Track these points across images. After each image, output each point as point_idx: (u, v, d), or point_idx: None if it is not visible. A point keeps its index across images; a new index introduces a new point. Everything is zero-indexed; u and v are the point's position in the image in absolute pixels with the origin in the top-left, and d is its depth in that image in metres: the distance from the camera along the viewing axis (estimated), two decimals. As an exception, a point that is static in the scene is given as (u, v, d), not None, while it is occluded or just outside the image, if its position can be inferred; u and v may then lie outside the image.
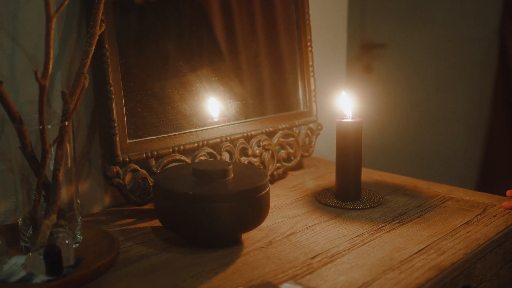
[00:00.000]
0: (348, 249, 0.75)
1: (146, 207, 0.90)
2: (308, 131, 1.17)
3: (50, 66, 0.66)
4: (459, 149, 2.33)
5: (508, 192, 0.94)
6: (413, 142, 2.42)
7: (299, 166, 1.19)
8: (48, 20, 0.65)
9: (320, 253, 0.73)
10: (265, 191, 0.75)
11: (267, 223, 0.84)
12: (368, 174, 1.11)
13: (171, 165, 0.90)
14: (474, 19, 2.26)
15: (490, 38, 2.25)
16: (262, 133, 1.05)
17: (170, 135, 0.91)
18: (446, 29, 2.33)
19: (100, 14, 0.75)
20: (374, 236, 0.79)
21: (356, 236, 0.79)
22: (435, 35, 2.35)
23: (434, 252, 0.73)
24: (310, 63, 1.17)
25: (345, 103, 0.95)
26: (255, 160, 1.03)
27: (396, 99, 2.42)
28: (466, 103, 2.33)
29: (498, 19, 2.21)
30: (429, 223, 0.84)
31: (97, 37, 0.75)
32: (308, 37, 1.17)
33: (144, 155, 0.86)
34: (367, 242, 0.77)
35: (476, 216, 0.87)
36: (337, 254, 0.73)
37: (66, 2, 0.67)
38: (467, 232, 0.80)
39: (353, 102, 0.94)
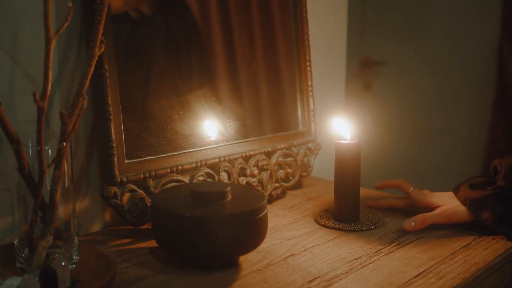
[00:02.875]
0: (346, 272, 0.74)
1: (144, 227, 0.90)
2: (307, 151, 1.17)
3: (49, 88, 0.66)
4: (459, 166, 2.33)
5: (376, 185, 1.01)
6: (412, 159, 2.42)
7: (298, 186, 1.18)
8: (48, 41, 0.65)
9: (318, 277, 0.73)
10: (263, 214, 0.75)
11: (265, 245, 0.83)
12: (367, 195, 1.11)
13: (169, 185, 0.89)
14: (473, 37, 2.27)
15: (488, 56, 2.26)
16: (260, 153, 1.05)
17: (169, 155, 0.91)
18: (445, 47, 2.34)
19: (100, 35, 0.75)
20: (373, 259, 0.79)
21: (355, 259, 0.79)
22: (434, 53, 2.36)
23: (433, 276, 0.73)
24: (309, 83, 1.18)
25: (340, 128, 0.94)
26: (253, 180, 1.03)
27: (395, 116, 2.43)
28: (465, 121, 2.34)
29: (496, 38, 2.22)
30: (428, 246, 0.84)
31: (96, 58, 0.75)
32: (308, 57, 1.17)
33: (142, 176, 0.86)
34: (365, 266, 0.76)
35: (475, 239, 0.87)
36: (335, 278, 0.72)
37: (66, 24, 0.67)
38: (466, 256, 0.80)
39: (350, 124, 0.94)
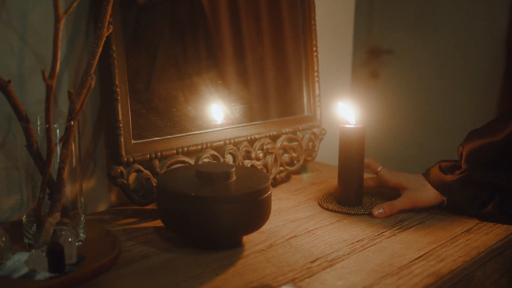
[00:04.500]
0: (348, 253, 0.75)
1: (149, 207, 0.91)
2: (312, 136, 1.18)
3: (58, 66, 0.67)
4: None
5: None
6: (418, 148, 2.42)
7: (302, 170, 1.19)
8: (57, 21, 0.66)
9: (320, 257, 0.74)
10: (267, 194, 0.76)
11: (268, 226, 0.85)
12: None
13: (174, 166, 0.90)
14: (481, 27, 2.27)
15: (497, 46, 2.25)
16: (265, 136, 1.06)
17: (174, 137, 0.92)
18: (453, 36, 2.33)
19: (108, 16, 0.76)
20: (374, 242, 0.80)
21: (356, 241, 0.80)
22: (442, 42, 2.36)
23: (434, 259, 0.74)
24: (315, 68, 1.18)
25: (345, 112, 0.95)
26: (258, 163, 1.04)
27: (402, 105, 2.43)
28: (471, 111, 2.34)
29: (505, 28, 2.21)
30: (429, 230, 0.85)
31: (105, 39, 0.75)
32: (314, 42, 1.18)
33: (148, 156, 0.87)
34: (367, 248, 0.77)
35: (477, 224, 0.87)
36: (336, 259, 0.73)
37: (75, 4, 0.68)
38: (467, 240, 0.81)
39: (355, 109, 0.95)
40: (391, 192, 1.01)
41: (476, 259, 0.76)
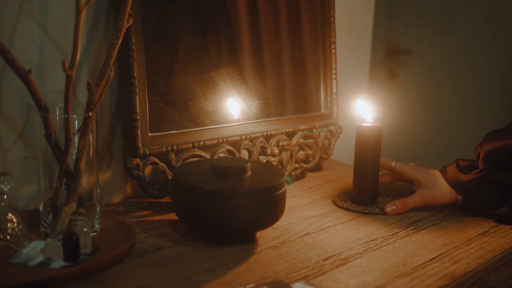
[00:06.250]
0: (361, 252, 0.75)
1: (164, 200, 0.91)
2: (328, 134, 1.18)
3: (78, 57, 0.67)
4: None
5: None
6: (434, 149, 2.40)
7: (317, 168, 1.19)
8: (78, 12, 0.67)
9: (333, 255, 0.74)
10: (281, 190, 0.76)
11: (282, 222, 0.85)
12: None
13: (190, 160, 0.91)
14: (501, 27, 2.23)
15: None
16: (281, 133, 1.06)
17: (191, 131, 0.92)
18: (472, 38, 2.30)
19: (128, 8, 0.76)
20: (388, 242, 0.79)
21: (370, 240, 0.79)
22: (461, 43, 2.33)
23: (448, 260, 0.73)
24: (333, 66, 1.17)
25: (362, 110, 0.95)
26: (273, 159, 1.04)
27: (419, 106, 2.41)
28: (490, 112, 2.31)
29: (527, 30, 2.18)
30: (445, 231, 0.84)
31: (124, 31, 0.76)
32: (333, 40, 1.17)
33: (164, 149, 0.88)
34: (380, 247, 0.77)
35: (493, 227, 0.87)
36: (350, 257, 0.73)
37: (96, -5, 0.68)
38: (482, 243, 0.80)
39: (372, 107, 0.95)
40: (407, 192, 1.01)
41: (491, 262, 0.75)
